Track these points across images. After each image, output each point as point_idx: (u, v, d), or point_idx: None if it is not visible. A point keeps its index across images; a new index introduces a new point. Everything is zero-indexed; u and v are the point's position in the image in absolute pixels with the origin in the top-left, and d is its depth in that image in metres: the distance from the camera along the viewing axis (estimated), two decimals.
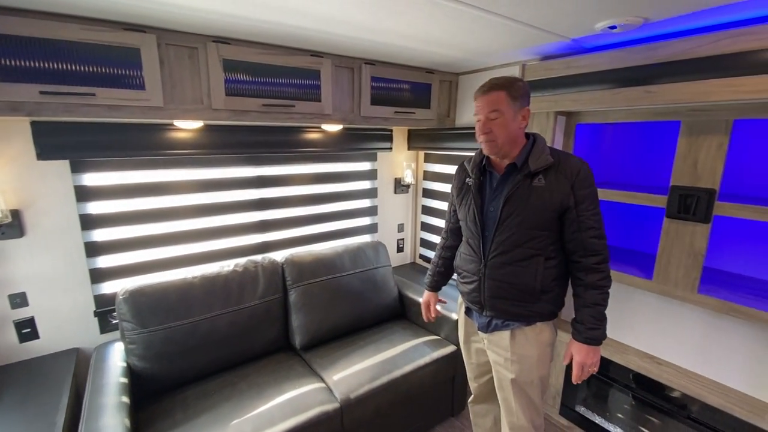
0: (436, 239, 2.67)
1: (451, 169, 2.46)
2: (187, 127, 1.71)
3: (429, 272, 1.72)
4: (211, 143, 1.83)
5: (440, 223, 2.60)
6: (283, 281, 1.99)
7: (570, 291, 1.32)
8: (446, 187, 2.52)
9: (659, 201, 1.58)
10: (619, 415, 1.84)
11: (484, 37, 1.55)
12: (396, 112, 2.09)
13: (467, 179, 1.40)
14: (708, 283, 1.55)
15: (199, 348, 1.68)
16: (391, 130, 2.46)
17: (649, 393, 1.72)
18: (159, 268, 1.86)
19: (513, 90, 1.18)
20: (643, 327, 1.81)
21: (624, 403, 1.82)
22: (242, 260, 1.94)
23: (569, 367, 2.05)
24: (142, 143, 1.65)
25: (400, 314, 2.31)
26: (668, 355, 1.74)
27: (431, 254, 2.73)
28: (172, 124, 1.68)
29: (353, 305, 2.09)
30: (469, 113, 2.31)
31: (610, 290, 1.25)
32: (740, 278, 1.60)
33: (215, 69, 1.51)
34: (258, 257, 2.00)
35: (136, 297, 1.58)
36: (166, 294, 1.65)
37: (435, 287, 1.71)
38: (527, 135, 1.29)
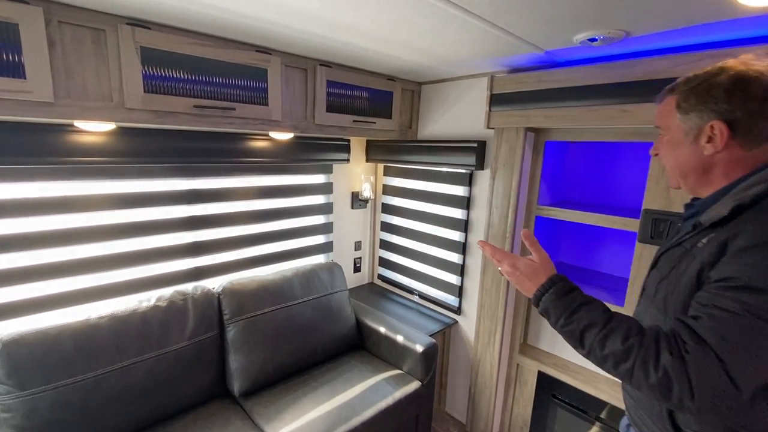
0: (396, 258, 2.47)
1: (413, 184, 2.30)
2: (94, 129, 1.37)
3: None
4: (129, 150, 1.49)
5: (401, 241, 2.42)
6: (219, 315, 1.68)
7: None
8: (407, 203, 2.34)
9: (632, 225, 1.51)
10: None
11: (453, 41, 1.40)
12: (355, 121, 1.87)
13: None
14: None
15: (105, 408, 1.33)
16: (349, 141, 2.25)
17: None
18: (53, 306, 1.46)
19: (687, 96, 0.75)
20: None
21: None
22: (167, 291, 1.60)
23: (537, 398, 1.97)
24: (32, 148, 1.28)
25: (358, 345, 2.07)
26: None
27: (390, 274, 2.53)
28: (73, 126, 1.33)
29: (305, 339, 1.82)
30: (432, 125, 2.16)
31: (595, 355, 0.74)
32: None
33: (130, 59, 1.21)
34: (188, 287, 1.67)
35: (12, 349, 1.20)
36: (58, 342, 1.28)
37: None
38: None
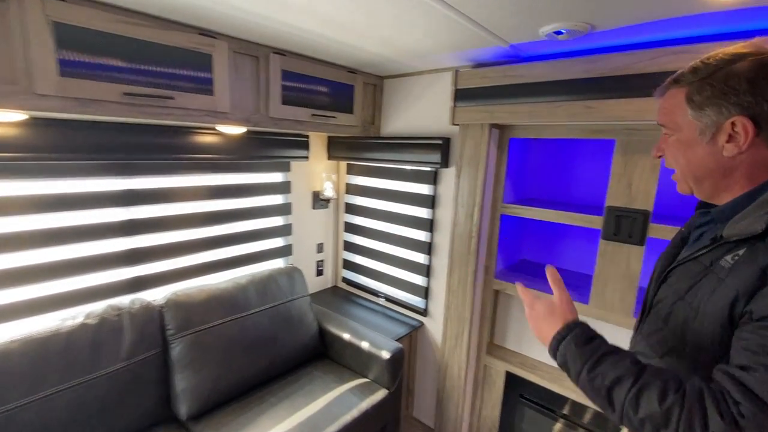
0: (360, 260, 2.37)
1: (377, 182, 2.21)
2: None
3: None
4: (48, 145, 1.28)
5: (365, 242, 2.32)
6: (161, 331, 1.50)
7: None
8: (372, 203, 2.25)
9: (595, 222, 1.50)
10: None
11: (416, 31, 1.32)
12: (313, 115, 1.75)
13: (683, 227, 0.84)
14: (640, 304, 1.50)
15: None
16: (308, 137, 2.11)
17: (593, 426, 1.64)
18: None
19: (701, 87, 0.64)
20: None
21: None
22: (98, 307, 1.41)
23: (506, 399, 1.93)
24: None
25: (321, 353, 1.95)
26: None
27: (355, 277, 2.42)
28: None
29: (262, 351, 1.68)
30: (395, 121, 2.07)
31: (635, 416, 0.60)
32: None
33: (40, 35, 1.02)
34: (124, 300, 1.48)
35: None
36: None
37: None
38: None
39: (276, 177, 2.09)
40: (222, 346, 1.57)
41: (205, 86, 1.37)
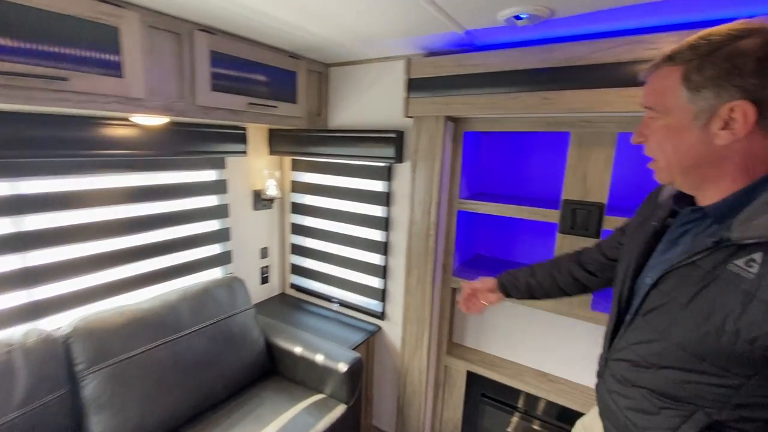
0: (310, 264, 2.20)
1: (327, 179, 2.04)
2: None
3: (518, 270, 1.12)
4: None
5: (315, 244, 2.15)
6: (68, 367, 1.23)
7: None
8: (321, 201, 2.08)
9: (552, 216, 1.48)
10: None
11: (366, 9, 1.18)
12: (251, 104, 1.54)
13: (652, 219, 0.77)
14: (598, 297, 1.52)
15: None
16: (245, 129, 1.89)
17: (547, 416, 1.64)
18: None
19: (701, 66, 0.57)
20: (536, 344, 1.73)
21: (524, 429, 1.71)
22: None
23: (467, 399, 1.89)
24: None
25: (270, 370, 1.76)
26: (562, 372, 1.69)
27: (305, 282, 2.25)
28: None
29: (200, 377, 1.46)
30: (344, 113, 1.92)
31: None
32: None
33: None
34: (16, 333, 1.19)
35: None
36: None
37: (502, 282, 1.11)
38: None
39: (209, 175, 1.84)
40: (149, 378, 1.33)
41: (111, 67, 1.12)
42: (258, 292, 2.18)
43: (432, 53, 1.59)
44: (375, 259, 1.92)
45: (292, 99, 1.74)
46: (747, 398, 0.57)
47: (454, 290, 1.80)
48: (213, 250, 1.90)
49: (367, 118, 1.84)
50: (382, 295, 1.93)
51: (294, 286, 2.29)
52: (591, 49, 1.21)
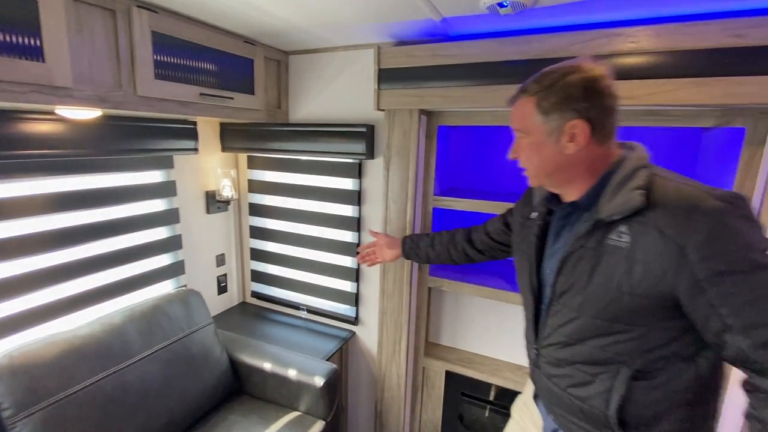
0: (273, 269, 2.04)
1: (288, 177, 1.89)
2: None
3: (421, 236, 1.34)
4: None
5: (278, 248, 1.99)
6: None
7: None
8: (281, 201, 1.93)
9: None
10: None
11: None
12: (203, 95, 1.36)
13: (532, 213, 0.93)
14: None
15: None
16: (195, 124, 1.68)
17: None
18: None
19: (547, 95, 0.73)
20: (511, 338, 1.73)
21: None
22: None
23: (447, 399, 1.86)
24: None
25: (236, 390, 1.60)
26: None
27: (267, 289, 2.09)
28: None
29: (157, 407, 1.27)
30: (307, 106, 1.78)
31: None
32: None
33: None
34: None
35: None
36: None
37: (405, 245, 1.35)
38: (627, 146, 0.80)
39: (154, 176, 1.62)
40: (93, 417, 1.13)
41: (29, 49, 0.91)
42: (215, 303, 1.98)
43: (402, 42, 1.50)
44: (346, 261, 1.82)
45: (249, 90, 1.57)
46: (651, 344, 0.72)
47: (431, 290, 1.75)
48: (162, 260, 1.69)
49: (333, 111, 1.72)
50: (355, 299, 1.83)
51: (255, 294, 2.12)
52: (569, 41, 1.19)
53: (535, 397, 0.99)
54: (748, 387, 0.67)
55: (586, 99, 0.71)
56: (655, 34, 1.10)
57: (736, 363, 0.67)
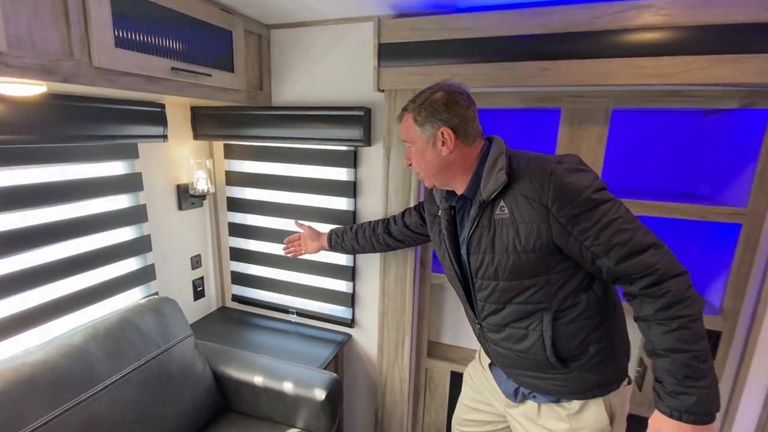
0: (255, 270, 1.85)
1: (268, 168, 1.70)
2: None
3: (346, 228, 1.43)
4: None
5: (259, 246, 1.80)
6: None
7: None
8: (262, 194, 1.73)
9: None
10: None
11: None
12: (175, 69, 1.15)
13: (438, 211, 1.06)
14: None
15: None
16: (163, 106, 1.45)
17: None
18: None
19: (419, 111, 0.92)
20: None
21: None
22: None
23: (451, 401, 1.71)
24: None
25: (223, 408, 1.42)
26: None
27: (250, 292, 1.89)
28: None
29: None
30: (292, 88, 1.59)
31: (695, 324, 0.76)
32: None
33: None
34: None
35: None
36: None
37: (331, 239, 1.44)
38: (489, 140, 0.96)
39: (114, 168, 1.38)
40: None
41: None
42: (192, 310, 1.77)
43: (403, 14, 1.35)
44: (341, 259, 1.66)
45: (228, 67, 1.37)
46: (556, 286, 0.88)
47: (432, 287, 1.63)
48: (129, 265, 1.46)
49: (322, 93, 1.54)
50: (351, 299, 1.68)
51: (236, 298, 1.92)
52: (596, 14, 1.09)
53: (491, 365, 1.12)
54: (627, 297, 0.84)
55: (448, 111, 0.89)
56: (689, 6, 1.01)
57: (614, 281, 0.84)
